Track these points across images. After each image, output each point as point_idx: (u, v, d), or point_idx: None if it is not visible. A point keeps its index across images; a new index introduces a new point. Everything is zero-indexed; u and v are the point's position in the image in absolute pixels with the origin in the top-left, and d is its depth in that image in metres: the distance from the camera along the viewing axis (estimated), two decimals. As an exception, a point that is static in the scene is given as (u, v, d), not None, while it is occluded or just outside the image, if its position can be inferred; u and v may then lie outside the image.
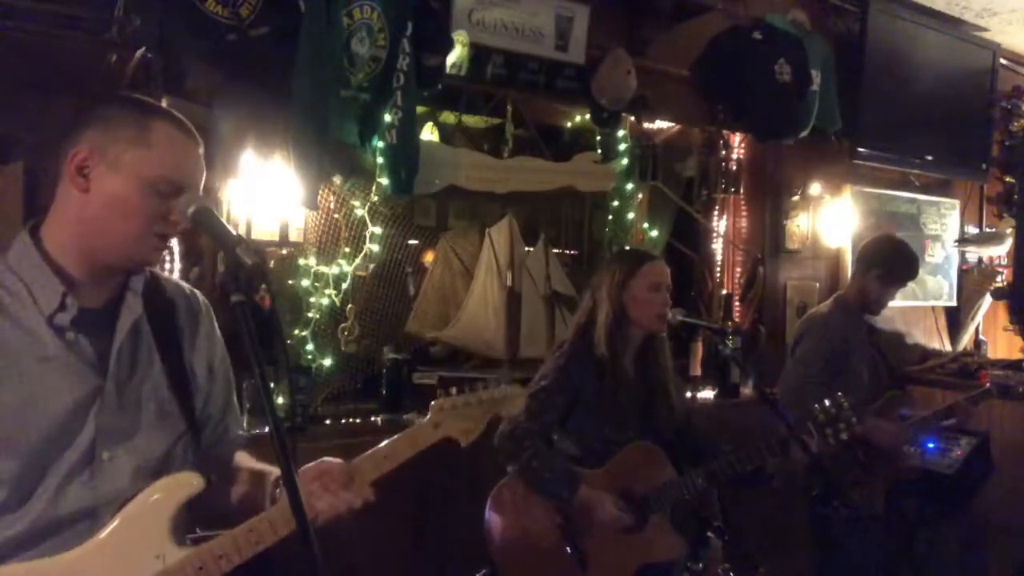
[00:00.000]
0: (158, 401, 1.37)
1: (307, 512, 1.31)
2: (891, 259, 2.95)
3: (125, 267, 1.34)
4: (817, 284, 4.35)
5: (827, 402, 2.40)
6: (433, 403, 1.55)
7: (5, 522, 1.22)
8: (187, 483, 1.34)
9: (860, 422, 2.44)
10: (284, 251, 2.90)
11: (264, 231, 2.81)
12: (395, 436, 1.50)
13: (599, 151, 3.80)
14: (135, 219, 1.28)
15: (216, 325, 1.53)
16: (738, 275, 4.22)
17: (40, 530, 1.24)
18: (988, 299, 5.00)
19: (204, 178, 1.38)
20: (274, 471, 1.44)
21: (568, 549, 2.25)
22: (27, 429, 1.22)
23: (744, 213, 4.24)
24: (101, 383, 1.29)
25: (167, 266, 2.41)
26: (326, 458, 1.43)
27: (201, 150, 1.38)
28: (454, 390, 1.58)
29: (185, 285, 1.54)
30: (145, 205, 1.28)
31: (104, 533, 1.27)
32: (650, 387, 2.45)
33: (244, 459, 1.55)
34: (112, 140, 1.28)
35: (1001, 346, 5.23)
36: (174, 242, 2.34)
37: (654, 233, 4.04)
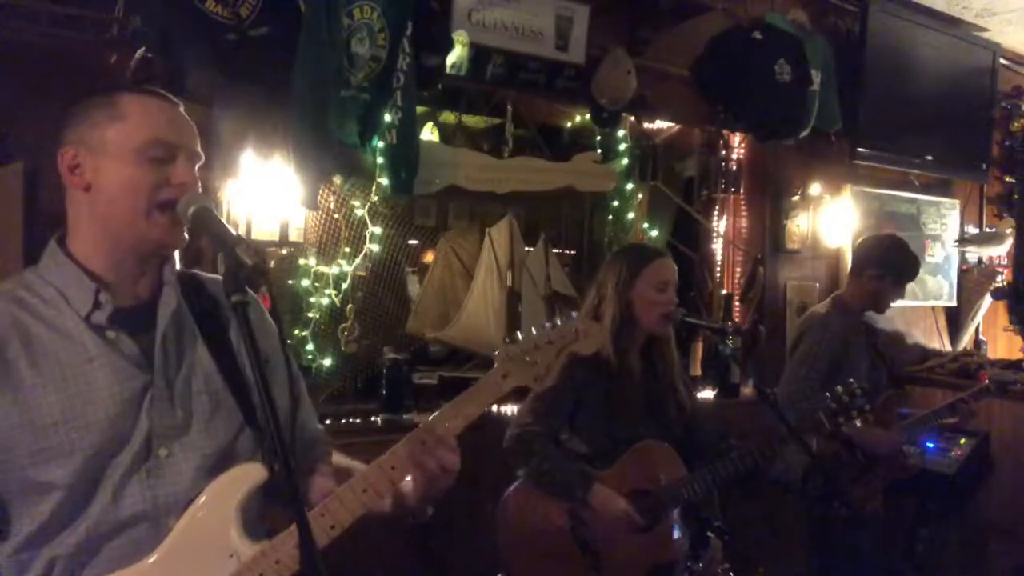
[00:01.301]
0: (210, 394, 1.33)
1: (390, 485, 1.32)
2: (886, 259, 2.94)
3: (147, 250, 1.30)
4: (817, 284, 4.35)
5: (839, 389, 2.39)
6: (498, 352, 1.46)
7: (67, 531, 1.20)
8: (248, 475, 1.29)
9: (872, 409, 2.43)
10: (284, 251, 2.90)
11: (264, 231, 2.80)
12: (459, 396, 1.42)
13: (599, 151, 3.80)
14: (138, 192, 1.25)
15: (268, 316, 1.49)
16: (738, 275, 4.22)
17: (100, 537, 1.21)
18: (988, 299, 5.00)
19: (196, 135, 1.35)
20: (361, 466, 1.40)
21: (580, 550, 2.24)
22: (78, 433, 1.19)
23: (744, 213, 4.24)
24: (149, 378, 1.27)
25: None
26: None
27: (181, 109, 1.35)
28: (519, 334, 1.48)
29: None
30: (143, 175, 1.26)
31: (170, 539, 1.24)
32: (658, 384, 2.43)
33: (337, 456, 1.52)
34: (89, 128, 1.27)
35: (1001, 346, 5.23)
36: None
37: (654, 233, 4.04)
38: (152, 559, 1.22)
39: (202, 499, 1.26)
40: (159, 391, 1.27)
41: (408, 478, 1.37)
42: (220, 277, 1.49)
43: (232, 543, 1.25)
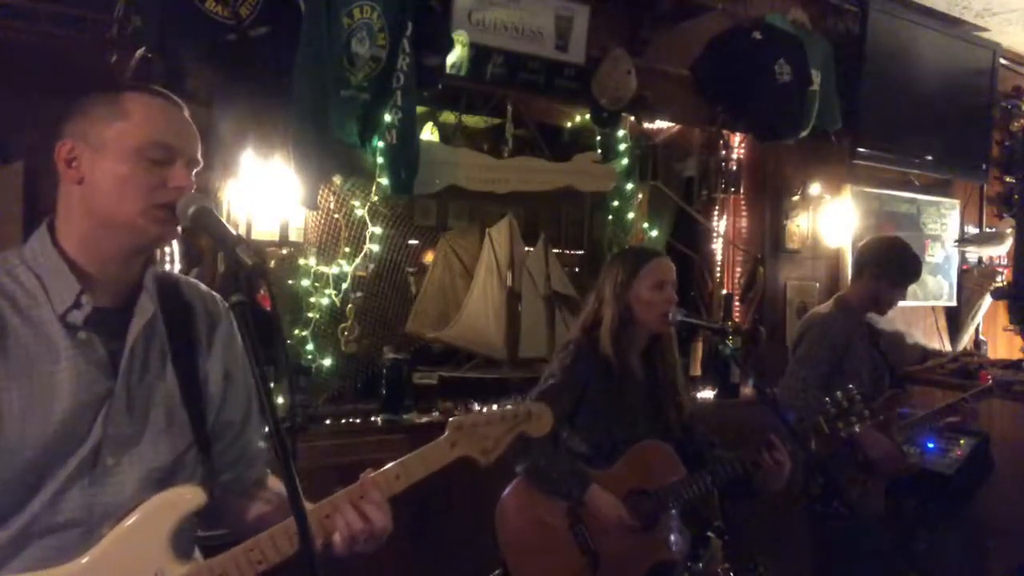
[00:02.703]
0: (167, 408, 1.33)
1: (328, 526, 1.31)
2: (889, 261, 2.94)
3: (137, 247, 1.30)
4: (817, 284, 4.35)
5: (839, 394, 2.40)
6: (450, 420, 1.48)
7: None
8: (187, 497, 1.29)
9: (872, 414, 2.43)
10: (284, 251, 2.90)
11: (264, 231, 2.80)
12: (407, 456, 1.43)
13: (599, 151, 3.80)
14: (134, 192, 1.25)
15: (237, 329, 1.48)
16: (738, 275, 4.22)
17: (30, 535, 1.20)
18: (988, 299, 5.00)
19: (198, 140, 1.34)
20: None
21: (579, 549, 2.25)
22: (32, 432, 1.19)
23: (744, 213, 4.24)
24: (111, 386, 1.26)
25: (167, 266, 2.41)
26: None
27: (186, 113, 1.35)
28: (475, 405, 1.50)
29: (204, 287, 1.49)
30: (140, 176, 1.25)
31: (100, 545, 1.23)
32: (658, 385, 2.44)
33: (272, 480, 1.51)
34: (90, 123, 1.27)
35: (1001, 346, 5.23)
36: (174, 242, 2.34)
37: (654, 233, 4.04)
38: (71, 567, 1.21)
39: (138, 514, 1.26)
40: (119, 399, 1.27)
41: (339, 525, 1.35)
42: (199, 282, 1.50)
43: (160, 561, 1.25)
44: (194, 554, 1.35)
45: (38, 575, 1.20)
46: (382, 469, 1.41)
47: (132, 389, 1.29)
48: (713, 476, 2.31)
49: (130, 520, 1.25)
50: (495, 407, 1.52)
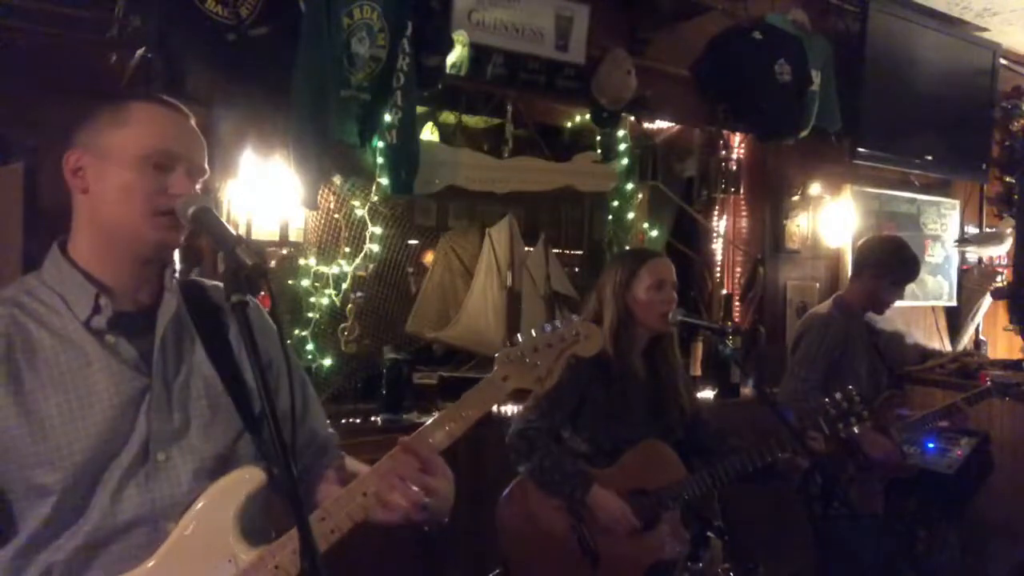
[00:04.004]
0: (209, 398, 1.33)
1: (387, 512, 1.26)
2: (887, 260, 2.94)
3: (142, 255, 1.31)
4: (817, 284, 4.35)
5: (838, 395, 2.40)
6: (498, 354, 1.44)
7: (63, 537, 1.20)
8: (247, 479, 1.28)
9: (871, 415, 2.44)
10: (284, 251, 2.90)
11: (264, 231, 2.80)
12: (461, 398, 1.37)
13: (599, 151, 3.80)
14: (134, 198, 1.26)
15: (267, 319, 1.48)
16: (738, 275, 4.22)
17: (98, 542, 1.21)
18: (988, 299, 5.00)
19: (203, 149, 1.35)
20: (359, 467, 1.38)
21: (580, 548, 2.25)
22: (77, 435, 1.20)
23: (744, 213, 4.24)
24: (147, 382, 1.27)
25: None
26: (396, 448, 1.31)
27: (192, 121, 1.35)
28: (519, 336, 1.45)
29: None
30: (141, 182, 1.26)
31: (168, 544, 1.23)
32: (660, 386, 2.45)
33: (350, 462, 1.49)
34: (95, 132, 1.28)
35: (1001, 346, 5.23)
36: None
37: (654, 233, 4.04)
38: (150, 563, 1.22)
39: (201, 503, 1.26)
40: (157, 395, 1.27)
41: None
42: (222, 284, 1.49)
43: (230, 547, 1.24)
44: (271, 535, 1.32)
45: None
46: (432, 420, 1.36)
47: (169, 383, 1.29)
48: (714, 476, 2.32)
49: (193, 512, 1.25)
50: (541, 333, 1.46)
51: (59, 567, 1.20)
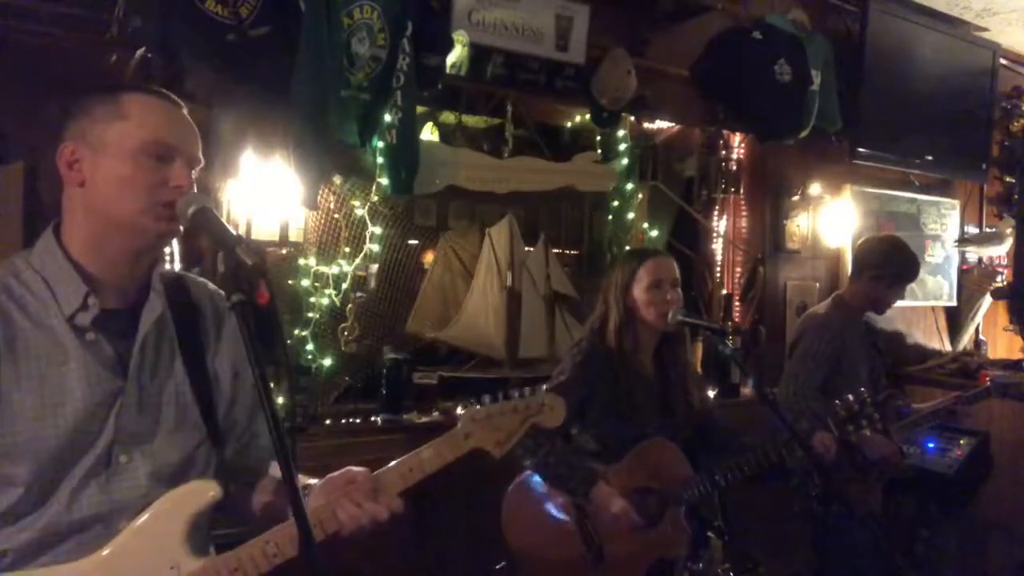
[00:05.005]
0: (179, 405, 1.34)
1: (332, 523, 1.30)
2: (887, 260, 2.94)
3: (140, 247, 1.31)
4: (817, 284, 4.35)
5: (850, 397, 2.39)
6: (463, 411, 1.48)
7: (19, 526, 1.21)
8: (202, 491, 1.31)
9: (880, 417, 2.43)
10: (284, 251, 2.90)
11: (264, 231, 2.81)
12: (421, 448, 1.42)
13: (599, 151, 3.80)
14: (135, 192, 1.26)
15: (237, 331, 1.49)
16: (738, 275, 4.22)
17: (53, 535, 1.22)
18: (988, 299, 5.00)
19: (198, 139, 1.35)
20: (307, 480, 1.40)
21: (584, 543, 2.27)
22: (45, 432, 1.21)
23: (744, 213, 4.24)
24: (122, 384, 1.27)
25: (167, 266, 2.41)
26: (352, 467, 1.38)
27: (185, 112, 1.36)
28: (487, 398, 1.48)
29: (212, 286, 1.50)
30: (141, 175, 1.26)
31: (116, 541, 1.25)
32: (669, 385, 2.47)
33: (276, 469, 1.52)
34: (90, 124, 1.28)
35: (1001, 346, 5.23)
36: (174, 242, 2.34)
37: (654, 233, 4.04)
38: (89, 561, 1.23)
39: (154, 507, 1.27)
40: (130, 397, 1.28)
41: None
42: (206, 281, 1.51)
43: (175, 555, 1.27)
44: (209, 550, 1.36)
45: (54, 570, 1.22)
46: (396, 462, 1.40)
47: (143, 387, 1.30)
48: (721, 476, 2.32)
49: (146, 515, 1.27)
50: (508, 398, 1.50)
51: (12, 554, 1.22)
